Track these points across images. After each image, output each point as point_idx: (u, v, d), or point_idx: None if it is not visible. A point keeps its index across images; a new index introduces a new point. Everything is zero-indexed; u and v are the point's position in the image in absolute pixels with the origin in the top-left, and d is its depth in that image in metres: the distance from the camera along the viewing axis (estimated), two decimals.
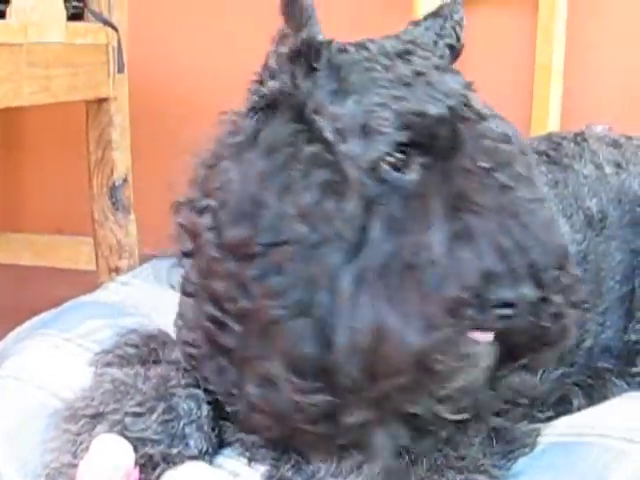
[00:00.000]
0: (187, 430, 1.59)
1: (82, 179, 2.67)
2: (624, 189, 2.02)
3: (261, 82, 1.55)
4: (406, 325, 1.32)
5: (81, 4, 2.52)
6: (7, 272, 2.69)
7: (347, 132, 1.44)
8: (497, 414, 1.64)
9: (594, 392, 1.90)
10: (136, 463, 1.46)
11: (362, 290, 1.36)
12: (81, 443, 1.52)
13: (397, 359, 1.33)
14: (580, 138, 2.10)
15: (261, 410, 1.49)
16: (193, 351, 1.64)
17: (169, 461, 1.52)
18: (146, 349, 1.76)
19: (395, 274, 1.36)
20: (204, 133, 1.61)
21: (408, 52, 1.51)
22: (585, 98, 3.76)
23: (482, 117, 1.46)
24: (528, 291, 1.31)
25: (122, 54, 2.54)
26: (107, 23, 2.52)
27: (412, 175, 1.40)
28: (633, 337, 1.95)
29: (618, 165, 2.05)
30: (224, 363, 1.55)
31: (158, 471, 1.51)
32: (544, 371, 1.85)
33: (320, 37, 1.52)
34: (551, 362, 1.54)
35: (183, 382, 1.64)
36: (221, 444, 1.66)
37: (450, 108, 1.42)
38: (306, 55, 1.51)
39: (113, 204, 2.58)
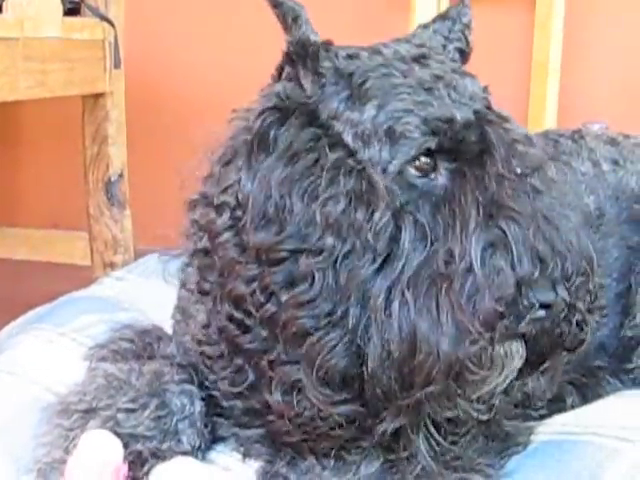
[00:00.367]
0: (180, 426, 1.60)
1: (78, 174, 2.66)
2: (621, 186, 2.02)
3: (274, 83, 1.55)
4: (440, 335, 1.32)
5: (77, 0, 2.51)
6: (3, 266, 2.69)
7: (370, 138, 1.44)
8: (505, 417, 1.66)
9: (588, 391, 1.90)
10: (125, 459, 1.46)
11: (395, 301, 1.36)
12: (73, 438, 1.52)
13: (430, 369, 1.33)
14: (577, 136, 2.11)
15: (281, 415, 1.48)
16: (206, 349, 1.63)
17: (159, 456, 1.51)
18: (141, 344, 1.77)
19: (428, 283, 1.36)
20: (214, 130, 1.59)
21: (424, 56, 1.52)
22: (582, 96, 3.76)
23: (505, 120, 1.47)
24: (564, 294, 1.32)
25: (118, 49, 2.53)
26: (104, 18, 2.52)
27: (441, 180, 1.41)
28: (629, 333, 1.94)
29: (616, 163, 2.05)
30: (242, 364, 1.54)
31: (147, 467, 1.50)
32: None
33: (313, 37, 1.51)
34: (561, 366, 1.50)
35: (177, 378, 1.64)
36: (214, 440, 1.67)
37: (476, 112, 1.44)
38: (304, 57, 1.51)
39: (109, 199, 2.58)
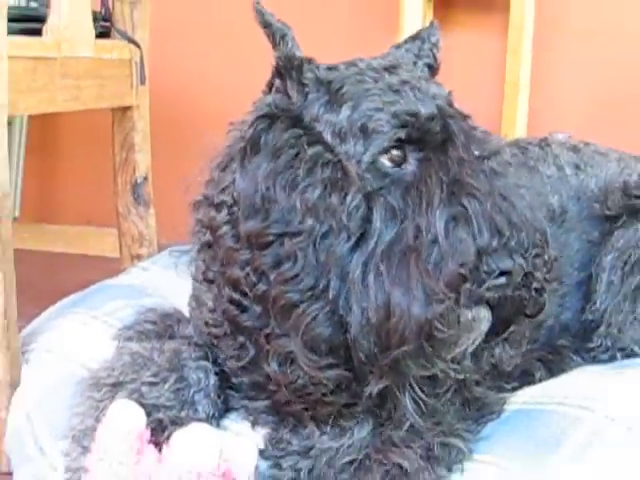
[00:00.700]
0: (196, 397, 1.61)
1: (108, 177, 2.66)
2: (582, 188, 2.04)
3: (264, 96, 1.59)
4: (411, 300, 1.34)
5: (108, 24, 2.51)
6: (42, 258, 2.69)
7: (346, 134, 1.48)
8: (476, 383, 1.65)
9: (554, 366, 1.91)
10: (148, 426, 1.47)
11: (370, 273, 1.39)
12: (103, 409, 1.53)
13: (403, 330, 1.34)
14: (544, 143, 2.13)
15: (279, 385, 1.49)
16: (214, 330, 1.65)
17: (177, 423, 1.52)
18: (162, 325, 1.79)
19: (399, 256, 1.38)
20: (215, 141, 1.63)
21: (393, 67, 1.55)
22: (549, 111, 3.76)
23: (465, 116, 1.51)
24: (521, 262, 1.34)
25: (144, 68, 2.53)
26: (131, 41, 2.51)
27: (410, 168, 1.44)
28: (590, 317, 1.96)
29: (577, 167, 2.07)
30: (243, 341, 1.57)
31: (167, 432, 1.51)
32: (505, 352, 1.86)
33: (297, 53, 1.56)
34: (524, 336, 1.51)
35: (193, 355, 1.66)
36: (227, 410, 1.67)
37: (439, 107, 1.46)
38: (290, 70, 1.55)
39: (135, 199, 2.58)
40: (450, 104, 1.50)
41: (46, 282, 2.51)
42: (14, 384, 1.92)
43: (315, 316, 1.43)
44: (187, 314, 1.82)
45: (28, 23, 2.17)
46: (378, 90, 1.49)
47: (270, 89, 1.60)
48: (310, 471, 1.46)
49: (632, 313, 1.92)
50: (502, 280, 1.33)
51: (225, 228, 1.55)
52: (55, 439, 1.70)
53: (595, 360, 1.93)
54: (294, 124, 1.53)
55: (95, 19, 2.37)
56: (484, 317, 1.38)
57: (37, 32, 2.16)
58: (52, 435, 1.73)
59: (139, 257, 2.59)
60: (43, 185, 4.36)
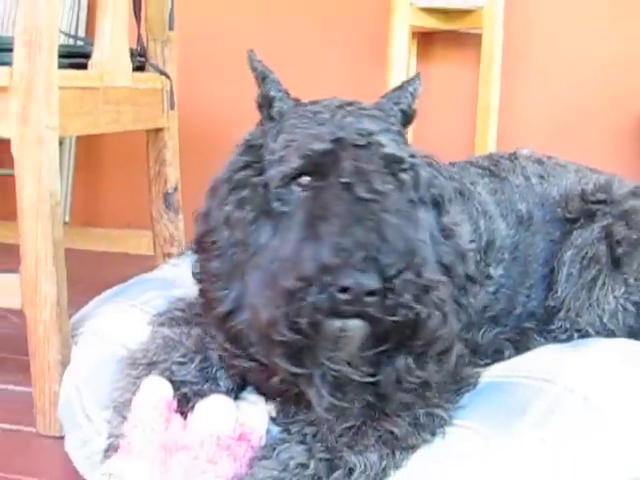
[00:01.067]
0: (218, 374, 1.62)
1: (144, 188, 2.66)
2: (546, 195, 2.04)
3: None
4: (261, 304, 1.37)
5: (143, 59, 2.52)
6: (88, 256, 2.70)
7: (274, 161, 1.50)
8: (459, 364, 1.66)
9: (520, 345, 1.91)
10: (175, 397, 1.50)
11: (249, 279, 1.43)
12: (139, 384, 1.54)
13: (256, 328, 1.39)
14: (513, 157, 2.13)
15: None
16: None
17: (201, 396, 1.53)
18: (190, 313, 1.79)
19: (262, 267, 1.42)
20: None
21: (348, 104, 1.54)
22: (515, 131, 3.80)
23: (380, 145, 1.47)
24: (366, 281, 1.28)
25: (173, 96, 2.53)
26: (162, 73, 2.52)
27: (303, 193, 1.44)
28: (552, 303, 1.95)
29: (541, 177, 2.07)
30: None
31: (191, 403, 1.51)
32: (485, 331, 1.86)
33: (272, 93, 1.61)
34: (428, 350, 1.42)
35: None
36: (244, 385, 1.68)
37: (337, 140, 1.44)
38: (264, 106, 1.61)
39: (166, 207, 2.58)
40: (366, 135, 1.46)
41: (92, 276, 2.51)
42: (65, 362, 1.93)
43: (225, 313, 1.47)
44: None
45: (76, 59, 2.17)
46: (307, 124, 1.50)
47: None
48: (314, 435, 1.46)
49: (588, 300, 1.91)
50: (345, 296, 1.28)
51: (204, 239, 1.59)
52: (100, 409, 1.71)
53: (555, 340, 1.92)
54: (251, 152, 1.57)
55: (132, 55, 2.37)
56: (357, 328, 1.33)
57: (83, 66, 2.17)
58: (97, 405, 1.73)
59: (170, 255, 2.59)
60: (89, 195, 4.35)
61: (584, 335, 1.91)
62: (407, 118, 1.62)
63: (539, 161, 2.13)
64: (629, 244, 1.92)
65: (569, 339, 1.91)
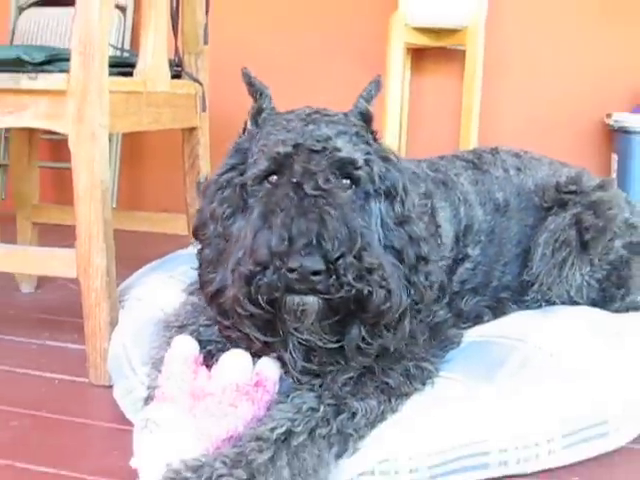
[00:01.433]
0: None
1: (179, 178, 2.66)
2: (522, 185, 2.03)
3: None
4: (230, 285, 1.42)
5: (180, 68, 2.51)
6: (132, 236, 2.70)
7: (252, 163, 1.51)
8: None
9: (498, 312, 1.92)
10: (201, 353, 1.52)
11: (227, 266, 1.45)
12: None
13: (229, 305, 1.43)
14: (494, 151, 2.11)
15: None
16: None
17: (224, 352, 1.53)
18: None
19: (230, 253, 1.46)
20: None
21: (316, 112, 1.54)
22: (494, 132, 3.78)
23: (336, 149, 1.46)
24: (310, 263, 1.30)
25: (205, 99, 2.53)
26: (196, 80, 2.51)
27: (265, 188, 1.47)
28: (527, 278, 1.96)
29: (519, 169, 2.06)
30: None
31: (215, 358, 1.53)
32: (467, 299, 1.86)
33: (264, 105, 1.60)
34: (378, 321, 1.43)
35: None
36: None
37: (297, 146, 1.45)
38: (255, 116, 1.60)
39: (199, 194, 2.59)
40: (322, 141, 1.46)
41: (135, 253, 2.52)
42: (113, 323, 1.94)
43: (213, 291, 1.49)
44: None
45: (123, 68, 2.17)
46: (278, 131, 1.50)
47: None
48: (320, 385, 1.47)
49: (558, 277, 1.93)
50: (294, 276, 1.31)
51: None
52: (142, 363, 1.72)
53: (528, 308, 1.95)
54: (240, 153, 1.58)
55: (170, 65, 2.37)
56: (312, 304, 1.36)
57: (129, 74, 2.17)
58: (140, 360, 1.74)
59: None
60: (132, 183, 4.40)
61: (552, 305, 1.93)
62: (365, 118, 1.59)
63: (517, 155, 2.12)
64: (596, 230, 1.94)
65: (539, 307, 1.93)
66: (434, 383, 1.56)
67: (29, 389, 1.92)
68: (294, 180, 1.41)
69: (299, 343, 1.44)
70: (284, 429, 1.36)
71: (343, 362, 1.47)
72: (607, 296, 1.97)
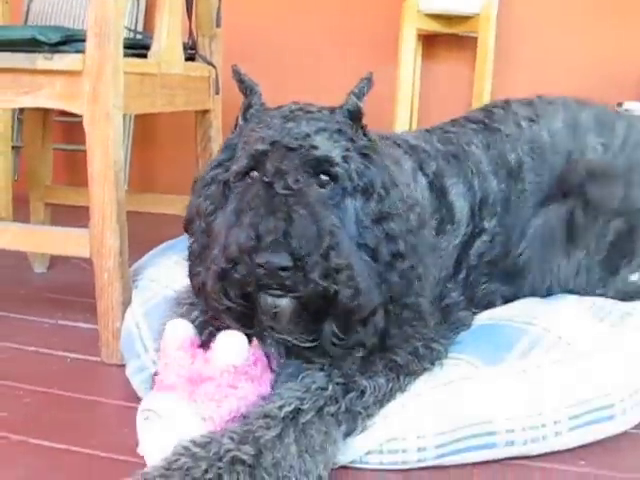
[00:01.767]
0: None
1: (192, 160, 2.67)
2: (536, 138, 1.98)
3: None
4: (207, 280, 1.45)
5: (194, 51, 2.52)
6: (145, 218, 2.70)
7: (235, 159, 1.53)
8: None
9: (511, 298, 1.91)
10: (203, 335, 1.53)
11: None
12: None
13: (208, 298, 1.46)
14: (506, 104, 2.07)
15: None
16: None
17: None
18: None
19: (211, 248, 1.48)
20: None
21: (299, 109, 1.54)
22: None
23: (313, 147, 1.46)
24: (277, 259, 1.31)
25: (218, 82, 2.53)
26: (209, 63, 2.52)
27: (243, 184, 1.48)
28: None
29: (531, 119, 2.00)
30: None
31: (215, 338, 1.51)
32: (476, 287, 1.87)
33: (254, 101, 1.61)
34: (349, 318, 1.43)
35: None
36: None
37: (274, 143, 1.45)
38: (245, 112, 1.61)
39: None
40: (300, 139, 1.46)
41: (148, 233, 2.53)
42: (126, 303, 1.95)
43: (203, 279, 1.49)
44: None
45: (137, 50, 2.17)
46: (260, 128, 1.51)
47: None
48: (330, 364, 1.48)
49: (548, 264, 1.93)
50: (262, 271, 1.32)
51: None
52: (154, 342, 1.73)
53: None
54: (229, 149, 1.59)
55: (184, 48, 2.37)
56: (287, 305, 1.37)
57: (144, 56, 2.18)
58: (152, 339, 1.75)
59: None
60: (145, 165, 4.41)
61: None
62: (352, 115, 1.56)
63: (529, 103, 2.08)
64: (584, 228, 1.91)
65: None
66: (443, 364, 1.57)
67: (41, 367, 1.93)
68: (265, 179, 1.42)
69: (276, 341, 1.48)
70: (292, 407, 1.37)
71: (321, 358, 1.49)
72: (612, 269, 1.95)
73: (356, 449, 1.46)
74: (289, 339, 1.45)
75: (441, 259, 1.80)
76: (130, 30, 3.08)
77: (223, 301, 1.41)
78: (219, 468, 1.25)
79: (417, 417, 1.47)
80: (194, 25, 2.53)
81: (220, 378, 1.40)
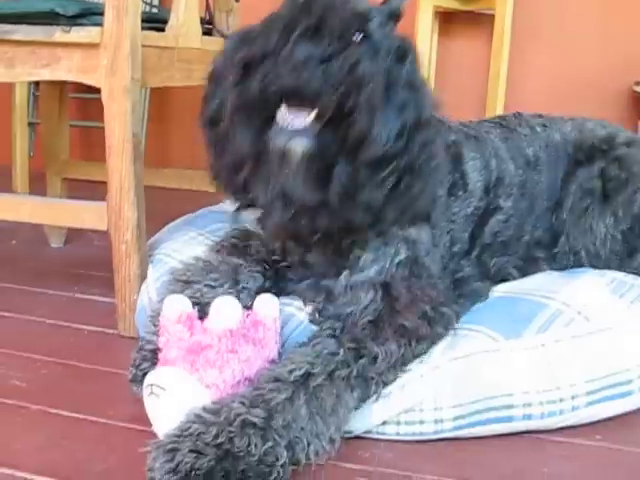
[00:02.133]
0: (241, 295, 1.64)
1: None
2: (549, 139, 2.02)
3: None
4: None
5: (211, 25, 2.52)
6: (161, 193, 2.71)
7: None
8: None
9: (529, 272, 1.92)
10: (199, 312, 1.50)
11: None
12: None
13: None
14: (518, 114, 2.12)
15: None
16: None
17: None
18: (242, 243, 1.77)
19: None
20: None
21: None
22: (520, 98, 3.76)
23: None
24: (304, 49, 1.32)
25: None
26: (225, 37, 2.51)
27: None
28: (556, 227, 1.99)
29: (544, 125, 2.06)
30: None
31: None
32: (493, 259, 1.88)
33: None
34: (360, 153, 1.40)
35: (248, 268, 1.68)
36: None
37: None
38: None
39: None
40: None
41: (163, 208, 2.53)
42: (143, 276, 1.96)
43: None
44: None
45: (155, 23, 2.17)
46: None
47: None
48: (342, 329, 1.48)
49: (583, 227, 1.94)
50: (289, 64, 1.31)
51: None
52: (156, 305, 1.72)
53: (557, 263, 1.97)
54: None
55: (202, 22, 2.36)
56: (297, 145, 1.37)
57: (161, 30, 2.17)
58: (150, 308, 1.78)
59: None
60: (161, 140, 4.41)
61: (579, 258, 1.95)
62: (392, 14, 1.56)
63: (539, 115, 2.13)
64: (618, 181, 1.94)
65: (567, 261, 1.95)
66: (457, 334, 1.57)
67: (59, 339, 1.94)
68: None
69: (280, 193, 1.43)
70: (303, 371, 1.37)
71: (325, 222, 1.49)
72: (630, 248, 1.96)
73: (372, 419, 1.46)
74: (292, 189, 1.41)
75: (453, 224, 1.81)
76: (146, 3, 3.06)
77: (238, 132, 1.43)
78: (230, 432, 1.25)
79: (435, 388, 1.47)
80: (211, 0, 2.52)
81: (219, 344, 1.39)
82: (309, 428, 1.32)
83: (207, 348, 1.39)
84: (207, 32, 2.47)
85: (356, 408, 1.43)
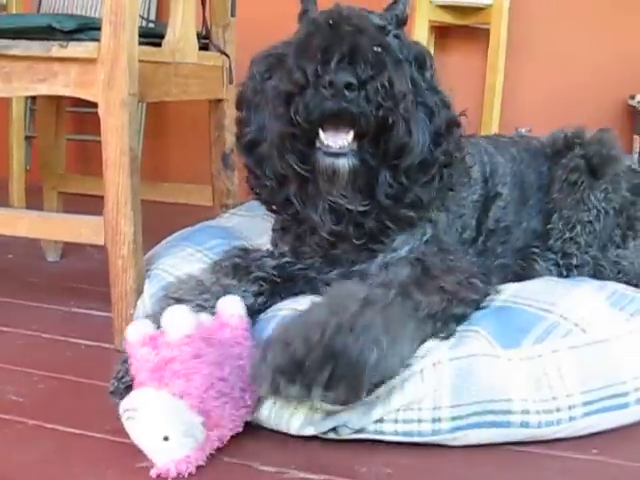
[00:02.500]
0: None
1: (205, 149, 2.67)
2: (528, 146, 2.13)
3: None
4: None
5: (207, 40, 2.52)
6: (158, 207, 2.70)
7: None
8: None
9: (524, 274, 1.96)
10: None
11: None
12: None
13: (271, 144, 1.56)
14: (495, 135, 2.32)
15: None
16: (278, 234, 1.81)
17: None
18: (243, 262, 1.75)
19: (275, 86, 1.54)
20: None
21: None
22: (516, 109, 3.75)
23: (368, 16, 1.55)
24: (343, 76, 1.38)
25: (231, 71, 2.53)
26: (223, 52, 2.52)
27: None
28: (549, 205, 2.05)
29: (521, 137, 2.22)
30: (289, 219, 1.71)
31: None
32: (497, 246, 1.96)
33: (309, 8, 1.72)
34: (400, 161, 1.52)
35: (243, 288, 1.68)
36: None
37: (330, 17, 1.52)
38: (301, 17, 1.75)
39: (224, 165, 2.58)
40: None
41: (162, 223, 2.52)
42: (139, 290, 1.96)
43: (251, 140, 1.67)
44: (264, 248, 1.84)
45: (152, 38, 2.17)
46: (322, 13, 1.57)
47: None
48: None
49: (575, 201, 2.00)
50: (329, 91, 1.38)
51: None
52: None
53: (552, 255, 2.01)
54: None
55: (198, 37, 2.37)
56: (343, 164, 1.46)
57: (158, 45, 2.18)
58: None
59: (226, 206, 2.59)
60: (158, 154, 4.41)
61: (575, 236, 1.99)
62: (399, 20, 1.65)
63: (519, 135, 2.29)
64: (601, 158, 2.00)
65: (564, 256, 1.99)
66: (463, 336, 1.56)
67: (56, 353, 1.94)
68: (330, 21, 1.47)
69: (329, 207, 1.53)
70: (364, 295, 1.40)
71: (372, 224, 1.57)
72: (621, 234, 2.03)
73: (372, 415, 1.47)
74: (342, 202, 1.51)
75: (464, 209, 1.86)
76: (143, 19, 3.07)
77: (287, 128, 1.46)
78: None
79: (435, 387, 1.47)
80: (208, 14, 2.53)
81: (181, 353, 1.37)
82: (386, 340, 1.34)
83: (171, 361, 1.37)
84: (204, 47, 2.48)
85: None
